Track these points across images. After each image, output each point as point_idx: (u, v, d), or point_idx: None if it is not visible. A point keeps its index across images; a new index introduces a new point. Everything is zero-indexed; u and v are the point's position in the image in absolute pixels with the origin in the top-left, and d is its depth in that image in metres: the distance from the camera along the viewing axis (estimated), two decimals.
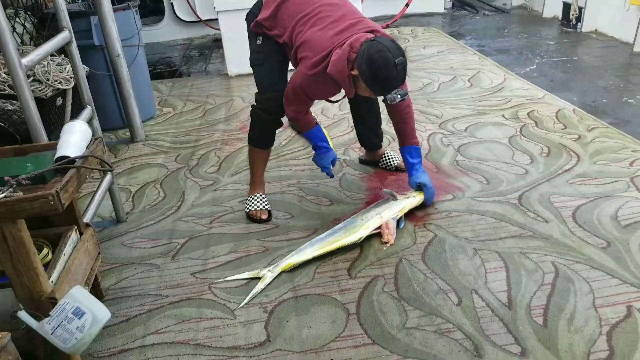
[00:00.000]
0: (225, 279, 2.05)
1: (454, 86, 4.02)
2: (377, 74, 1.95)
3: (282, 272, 2.05)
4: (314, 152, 2.45)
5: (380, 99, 2.23)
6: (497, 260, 2.03)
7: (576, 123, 3.21)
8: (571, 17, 5.92)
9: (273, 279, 2.02)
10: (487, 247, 2.11)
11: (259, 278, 2.03)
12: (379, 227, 2.22)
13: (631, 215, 2.24)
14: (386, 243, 2.19)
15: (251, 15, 2.33)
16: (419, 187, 2.41)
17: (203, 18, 6.31)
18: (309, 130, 2.37)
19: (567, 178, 2.57)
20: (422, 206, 2.41)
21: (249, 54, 2.36)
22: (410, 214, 2.36)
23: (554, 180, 2.56)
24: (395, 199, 2.37)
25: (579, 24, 5.86)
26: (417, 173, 2.41)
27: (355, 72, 1.98)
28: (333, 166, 2.47)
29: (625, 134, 3.03)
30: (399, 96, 2.01)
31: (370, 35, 2.02)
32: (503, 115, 3.38)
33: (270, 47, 2.29)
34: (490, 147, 2.97)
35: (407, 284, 1.94)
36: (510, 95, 3.75)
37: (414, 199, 2.38)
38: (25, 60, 1.86)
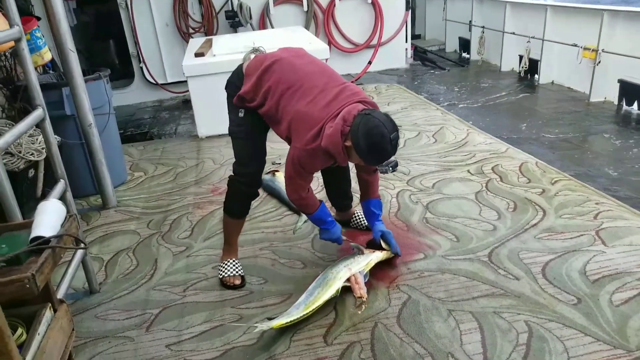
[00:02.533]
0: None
1: (420, 142, 4.13)
2: (373, 148, 2.02)
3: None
4: (319, 229, 2.47)
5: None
6: (471, 321, 2.05)
7: (539, 176, 3.32)
8: (520, 69, 6.22)
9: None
10: (460, 307, 2.14)
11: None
12: (348, 280, 2.27)
13: (599, 270, 2.31)
14: (360, 298, 2.22)
15: (231, 85, 2.36)
16: (383, 237, 2.47)
17: (173, 80, 6.40)
18: (316, 211, 2.38)
19: (535, 233, 2.65)
20: (389, 261, 2.46)
21: (218, 117, 2.38)
22: (383, 275, 2.38)
23: (521, 236, 2.63)
24: (362, 252, 2.43)
25: (535, 76, 6.16)
26: (380, 223, 2.51)
27: (348, 144, 2.04)
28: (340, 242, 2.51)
29: (587, 186, 3.15)
30: (390, 168, 2.10)
31: (361, 107, 2.09)
32: (468, 171, 3.48)
33: (253, 120, 2.31)
34: (458, 203, 3.04)
35: (384, 349, 1.94)
36: (474, 150, 3.87)
37: (380, 253, 2.44)
38: (0, 142, 1.86)
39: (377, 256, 2.42)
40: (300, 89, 2.16)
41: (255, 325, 2.03)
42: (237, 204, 2.45)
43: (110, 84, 3.69)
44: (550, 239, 2.59)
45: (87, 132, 3.20)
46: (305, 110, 2.12)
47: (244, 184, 2.37)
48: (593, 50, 5.22)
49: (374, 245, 2.51)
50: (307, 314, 2.11)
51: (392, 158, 2.09)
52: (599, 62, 5.17)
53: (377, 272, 2.42)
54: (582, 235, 2.60)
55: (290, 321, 2.08)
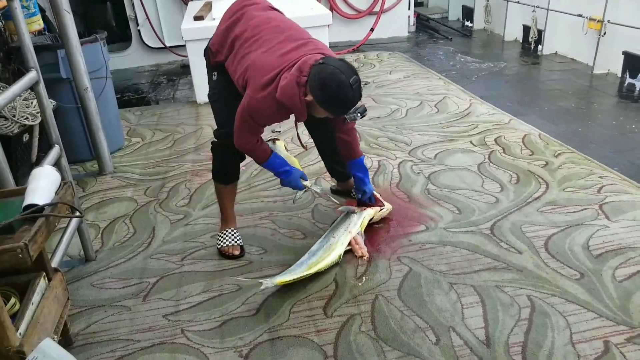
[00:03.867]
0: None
1: (422, 112, 4.06)
2: (333, 97, 1.93)
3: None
4: (278, 179, 2.40)
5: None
6: (473, 294, 2.03)
7: (542, 149, 3.27)
8: (530, 39, 6.10)
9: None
10: (462, 281, 2.11)
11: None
12: (349, 244, 2.31)
13: (602, 245, 2.28)
14: (362, 257, 2.28)
15: (206, 51, 2.33)
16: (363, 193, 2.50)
17: (169, 45, 6.26)
18: (266, 161, 2.29)
19: (537, 206, 2.61)
20: (389, 230, 2.45)
21: None
22: (384, 247, 2.36)
23: (524, 209, 2.60)
24: (354, 212, 2.45)
25: (539, 46, 6.04)
26: (364, 186, 2.49)
27: (310, 98, 1.96)
28: (306, 179, 2.41)
29: (591, 159, 3.11)
30: (359, 114, 2.02)
31: (318, 57, 1.99)
32: (471, 142, 3.43)
33: (225, 81, 2.26)
34: (460, 174, 3.00)
35: (385, 322, 1.92)
36: (477, 120, 3.81)
37: (371, 210, 2.47)
38: None
39: (369, 213, 2.46)
40: (260, 39, 2.10)
41: (260, 282, 2.04)
42: (223, 169, 2.41)
43: (107, 47, 3.59)
44: (554, 212, 2.56)
45: (83, 96, 3.12)
46: (261, 58, 2.05)
47: (225, 146, 2.31)
48: (598, 21, 5.09)
49: (364, 203, 2.52)
50: (309, 274, 2.13)
51: (359, 103, 2.01)
52: (604, 33, 5.05)
53: (378, 244, 2.39)
54: (585, 209, 2.57)
55: (294, 279, 2.09)
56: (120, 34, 6.55)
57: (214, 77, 2.31)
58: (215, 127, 2.38)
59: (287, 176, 2.34)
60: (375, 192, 2.56)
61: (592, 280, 2.07)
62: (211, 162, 2.45)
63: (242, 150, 2.29)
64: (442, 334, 1.85)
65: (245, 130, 2.16)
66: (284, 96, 1.97)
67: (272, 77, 1.99)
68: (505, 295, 2.01)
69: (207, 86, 2.39)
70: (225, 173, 2.42)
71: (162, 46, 6.29)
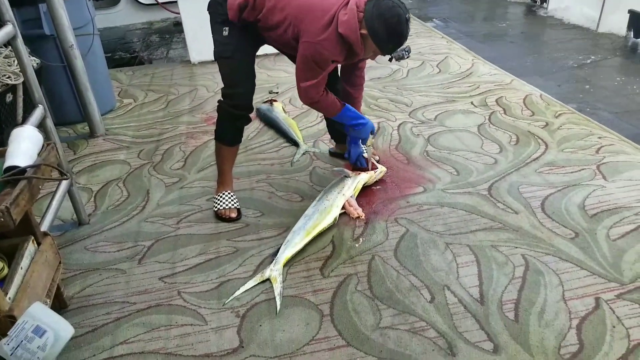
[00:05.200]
0: (234, 295, 1.92)
1: (423, 72, 3.99)
2: (392, 31, 1.95)
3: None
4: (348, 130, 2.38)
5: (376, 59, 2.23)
6: (468, 254, 2.03)
7: (543, 109, 3.23)
8: None
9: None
10: (458, 240, 2.11)
11: (265, 280, 1.98)
12: (343, 207, 2.31)
13: (598, 205, 2.28)
14: (359, 217, 2.27)
15: (215, 5, 2.20)
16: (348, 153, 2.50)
17: (161, 1, 6.09)
18: (340, 111, 2.26)
19: (536, 167, 2.59)
20: (387, 192, 2.41)
21: (211, 41, 2.23)
22: (382, 209, 2.34)
23: (522, 170, 2.58)
24: (348, 176, 2.44)
25: (544, 4, 5.91)
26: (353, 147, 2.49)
27: (364, 32, 1.96)
28: (374, 133, 2.42)
29: (591, 120, 3.08)
30: (407, 53, 2.05)
31: None
32: (472, 103, 3.38)
33: (240, 37, 2.17)
34: (460, 136, 2.96)
35: (380, 281, 1.93)
36: (479, 81, 3.75)
37: (366, 174, 2.45)
38: None
39: (363, 178, 2.44)
40: None
41: (266, 277, 1.98)
42: (228, 130, 2.34)
43: (94, 2, 3.48)
44: (551, 173, 2.54)
45: (69, 54, 3.03)
46: (310, 2, 2.01)
47: (234, 107, 2.26)
48: None
49: (359, 168, 2.51)
50: (308, 241, 2.13)
51: (407, 45, 2.04)
52: None
53: (376, 205, 2.38)
54: (583, 169, 2.55)
55: (296, 251, 2.08)
56: None
57: (225, 33, 2.17)
58: (223, 84, 2.28)
59: (361, 127, 2.33)
60: (365, 155, 2.52)
61: (586, 239, 2.08)
62: (206, 124, 2.40)
63: (311, 106, 2.26)
64: (436, 292, 1.85)
65: (312, 80, 2.11)
66: (348, 30, 1.96)
67: (330, 18, 1.98)
68: (500, 254, 2.02)
69: (203, 44, 2.30)
70: (230, 134, 2.36)
71: (154, 2, 6.12)
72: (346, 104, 2.29)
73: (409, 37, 2.04)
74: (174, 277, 2.04)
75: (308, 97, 2.18)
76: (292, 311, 1.83)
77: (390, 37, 1.97)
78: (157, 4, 6.09)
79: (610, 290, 1.82)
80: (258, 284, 1.97)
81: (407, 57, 2.07)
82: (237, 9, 2.10)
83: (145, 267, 2.11)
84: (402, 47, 2.03)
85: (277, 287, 1.92)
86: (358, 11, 1.95)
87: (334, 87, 2.43)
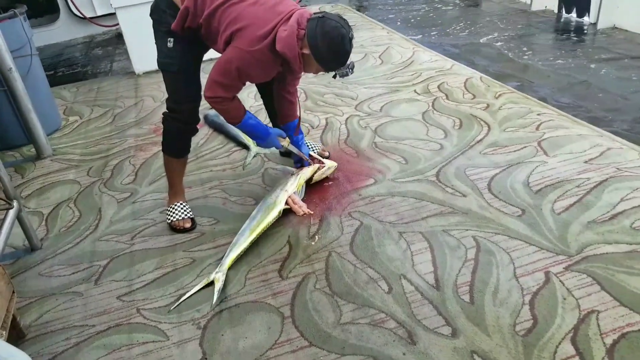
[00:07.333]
0: (180, 301, 1.94)
1: (366, 64, 4.04)
2: (335, 50, 1.95)
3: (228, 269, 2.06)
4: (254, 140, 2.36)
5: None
6: (421, 241, 2.08)
7: (484, 91, 3.32)
8: None
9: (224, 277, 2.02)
10: (411, 228, 2.16)
11: (211, 283, 1.99)
12: (287, 204, 2.33)
13: (541, 180, 2.37)
14: (304, 214, 2.31)
15: (158, 11, 2.11)
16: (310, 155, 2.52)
17: (101, 13, 5.94)
18: (240, 121, 2.18)
19: (480, 149, 2.67)
20: (338, 186, 2.44)
21: (154, 51, 2.17)
22: (335, 204, 2.38)
23: (467, 153, 2.65)
24: (292, 173, 2.48)
25: None
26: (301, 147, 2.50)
27: (306, 51, 1.95)
28: (284, 137, 2.37)
29: (529, 97, 3.19)
30: (350, 70, 2.05)
31: (311, 12, 1.99)
32: (415, 91, 3.45)
33: (184, 49, 2.12)
34: (405, 125, 3.02)
35: (339, 277, 1.96)
36: (420, 68, 3.82)
37: (307, 169, 2.48)
38: None
39: (305, 173, 2.47)
40: None
41: (211, 280, 2.00)
42: (175, 143, 2.33)
43: (32, 21, 3.39)
44: (495, 153, 2.62)
45: (8, 78, 2.95)
46: (251, 10, 1.97)
47: (181, 121, 2.24)
48: None
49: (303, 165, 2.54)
50: (253, 239, 2.15)
51: (351, 62, 2.06)
52: None
53: (329, 201, 2.41)
54: (525, 147, 2.64)
55: (241, 251, 2.10)
56: (46, 6, 6.18)
57: (170, 44, 2.11)
58: (168, 96, 2.24)
59: (260, 141, 2.31)
60: (312, 152, 2.56)
61: (532, 215, 2.16)
62: (155, 134, 2.37)
63: (214, 105, 2.14)
64: (393, 282, 1.90)
65: (225, 84, 2.05)
66: (286, 47, 1.94)
67: (269, 30, 1.95)
68: (452, 238, 2.08)
69: (146, 54, 2.25)
70: (176, 146, 2.34)
71: (94, 16, 5.97)
72: (247, 111, 2.20)
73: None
74: (132, 295, 2.02)
75: (214, 98, 2.09)
76: (253, 317, 1.84)
77: (334, 57, 1.98)
78: (85, 18, 5.93)
79: (558, 263, 1.89)
80: (203, 287, 1.99)
81: (351, 74, 2.09)
82: (180, 17, 2.05)
83: (102, 287, 2.08)
84: (345, 65, 2.03)
85: (218, 285, 1.96)
86: (299, 28, 1.93)
87: (268, 91, 2.45)
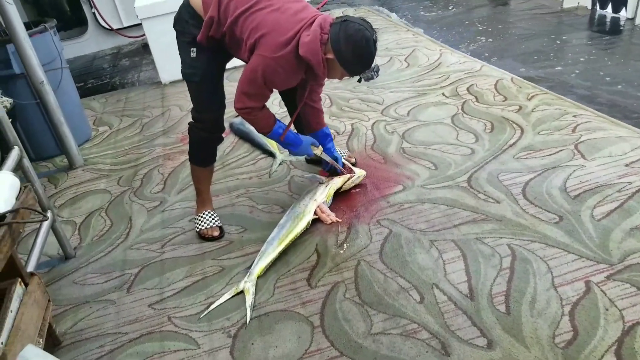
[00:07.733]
0: (209, 310, 1.94)
1: (392, 68, 4.00)
2: (359, 54, 1.94)
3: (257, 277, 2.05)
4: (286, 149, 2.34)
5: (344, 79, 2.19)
6: (454, 249, 2.03)
7: (515, 93, 3.25)
8: None
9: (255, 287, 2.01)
10: (442, 236, 2.11)
11: (240, 293, 1.99)
12: (316, 213, 2.30)
13: (579, 185, 2.28)
14: (332, 223, 2.28)
15: (181, 22, 2.13)
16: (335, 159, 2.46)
17: (127, 24, 6.05)
18: (270, 131, 2.17)
19: (513, 153, 2.60)
20: (366, 194, 2.40)
21: (179, 61, 2.18)
22: (363, 212, 2.34)
23: (500, 157, 2.59)
24: (322, 182, 2.45)
25: None
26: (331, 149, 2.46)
27: (330, 56, 1.94)
28: (317, 145, 2.36)
29: (564, 98, 3.09)
30: (375, 73, 2.02)
31: (333, 17, 1.98)
32: (443, 94, 3.39)
33: (207, 59, 2.13)
34: (434, 129, 2.97)
35: (368, 287, 1.92)
36: (448, 71, 3.76)
37: (338, 179, 2.44)
38: None
39: (335, 183, 2.43)
40: (262, 1, 1.99)
41: (240, 290, 1.99)
42: (201, 152, 2.34)
43: (61, 34, 3.47)
44: (530, 157, 2.55)
45: (41, 91, 3.01)
46: (273, 17, 1.96)
47: (206, 131, 2.25)
48: None
49: (333, 173, 2.50)
50: (283, 249, 2.13)
51: (375, 65, 2.03)
52: None
53: (356, 209, 2.38)
54: (561, 150, 2.56)
55: (270, 261, 2.08)
56: (75, 19, 6.32)
57: (193, 54, 2.12)
58: (193, 106, 2.26)
59: (297, 145, 2.28)
60: (344, 160, 2.53)
61: (571, 221, 2.08)
62: (182, 143, 2.38)
63: (244, 118, 2.15)
64: (425, 291, 1.85)
65: (252, 93, 2.05)
66: (309, 52, 1.93)
67: (292, 36, 1.94)
68: (485, 246, 2.02)
69: (172, 64, 2.26)
70: (203, 155, 2.35)
71: (120, 27, 6.08)
72: (278, 120, 2.20)
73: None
74: (163, 303, 2.03)
75: (243, 104, 2.08)
76: (282, 326, 1.82)
77: (358, 60, 1.96)
78: (112, 30, 6.04)
79: (599, 272, 1.81)
80: (233, 296, 1.98)
81: (377, 77, 2.06)
82: (205, 27, 2.05)
83: (134, 295, 2.10)
84: (371, 67, 2.00)
85: (249, 299, 1.94)
86: (322, 33, 1.92)
87: (292, 99, 2.44)
